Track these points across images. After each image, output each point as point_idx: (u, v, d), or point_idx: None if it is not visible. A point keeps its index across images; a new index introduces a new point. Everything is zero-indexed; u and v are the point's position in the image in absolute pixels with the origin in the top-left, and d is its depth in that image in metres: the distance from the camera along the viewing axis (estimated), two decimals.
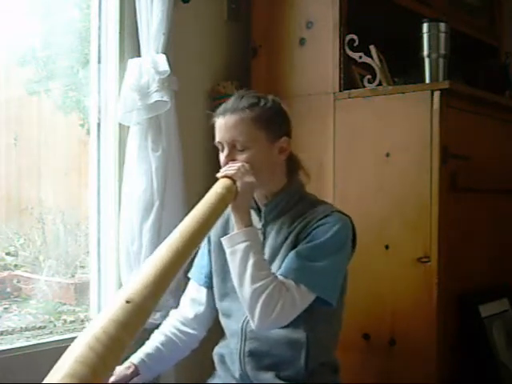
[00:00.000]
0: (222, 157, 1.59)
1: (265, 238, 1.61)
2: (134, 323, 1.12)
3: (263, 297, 1.44)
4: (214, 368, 1.72)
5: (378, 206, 2.03)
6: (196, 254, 1.73)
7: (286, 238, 1.57)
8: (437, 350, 1.92)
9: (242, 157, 1.55)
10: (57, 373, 1.00)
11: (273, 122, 1.58)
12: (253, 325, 1.49)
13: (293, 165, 1.66)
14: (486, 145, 2.20)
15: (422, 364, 1.93)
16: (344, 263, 1.59)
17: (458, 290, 2.04)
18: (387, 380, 1.98)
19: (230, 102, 1.58)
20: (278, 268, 1.54)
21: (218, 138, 1.59)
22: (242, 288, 1.47)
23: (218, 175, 1.54)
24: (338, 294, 1.57)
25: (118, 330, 1.07)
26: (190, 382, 2.14)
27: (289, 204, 1.62)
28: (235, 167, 1.52)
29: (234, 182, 1.50)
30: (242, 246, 1.48)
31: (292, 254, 1.52)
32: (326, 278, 1.52)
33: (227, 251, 1.51)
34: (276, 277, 1.49)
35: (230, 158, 1.56)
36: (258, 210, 1.63)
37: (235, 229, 1.52)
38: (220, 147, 1.60)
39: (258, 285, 1.45)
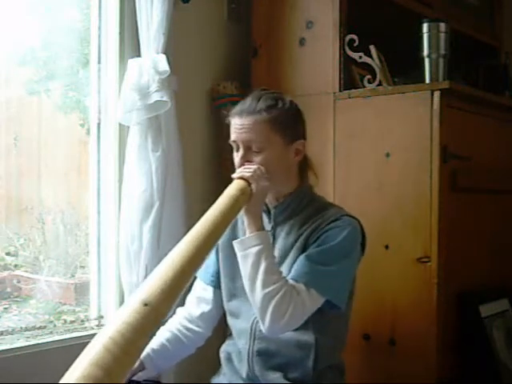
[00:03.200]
0: (237, 157, 1.58)
1: (274, 240, 1.61)
2: (150, 327, 1.12)
3: (274, 301, 1.44)
4: (216, 366, 1.72)
5: (377, 205, 2.03)
6: None
7: (296, 241, 1.57)
8: (437, 350, 1.92)
9: (257, 158, 1.55)
10: (72, 374, 1.00)
11: (289, 125, 1.58)
12: (263, 329, 1.49)
13: (305, 166, 1.67)
14: (486, 145, 2.20)
15: (422, 364, 1.93)
16: (353, 267, 1.60)
17: (458, 289, 2.04)
18: (387, 380, 1.98)
19: (248, 103, 1.57)
20: (287, 270, 1.54)
21: (233, 138, 1.58)
22: (254, 292, 1.47)
23: (234, 176, 1.53)
24: (347, 298, 1.57)
25: (134, 333, 1.08)
26: (191, 381, 2.14)
27: (299, 206, 1.62)
28: (251, 169, 1.51)
29: (249, 184, 1.50)
30: (254, 249, 1.48)
31: (302, 257, 1.52)
32: (336, 282, 1.52)
33: (239, 255, 1.51)
34: (287, 281, 1.49)
35: (246, 160, 1.56)
36: (268, 212, 1.63)
37: (247, 232, 1.51)
38: (235, 146, 1.59)
39: (269, 289, 1.45)
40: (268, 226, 1.62)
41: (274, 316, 1.45)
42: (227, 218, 1.42)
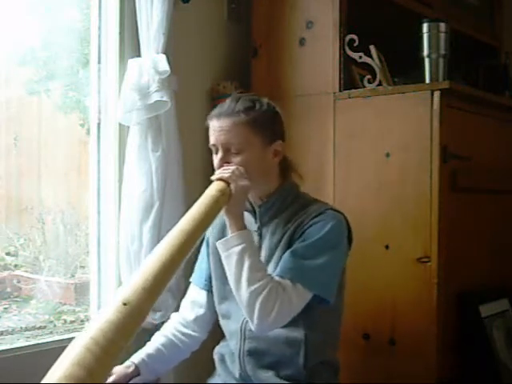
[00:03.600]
0: (216, 159, 1.59)
1: (261, 239, 1.62)
2: (131, 325, 1.13)
3: (260, 299, 1.44)
4: (213, 368, 1.72)
5: (377, 205, 2.03)
6: (196, 257, 1.74)
7: (281, 239, 1.58)
8: (437, 350, 1.92)
9: (236, 160, 1.55)
10: (54, 374, 1.00)
11: (267, 126, 1.58)
12: (252, 327, 1.49)
13: (286, 167, 1.67)
14: (486, 145, 2.20)
15: (422, 364, 1.93)
16: (340, 260, 1.59)
17: (458, 289, 2.04)
18: (387, 380, 1.98)
19: (226, 105, 1.58)
20: (274, 268, 1.54)
21: (212, 141, 1.59)
22: (239, 291, 1.47)
23: (213, 178, 1.54)
24: (335, 292, 1.56)
25: (115, 332, 1.08)
26: (189, 382, 2.15)
27: (283, 204, 1.62)
28: (230, 170, 1.52)
29: (229, 184, 1.50)
30: (237, 248, 1.48)
31: (287, 253, 1.53)
32: (322, 275, 1.52)
33: (222, 255, 1.51)
34: (272, 278, 1.49)
35: (225, 161, 1.57)
36: (254, 212, 1.64)
37: (229, 232, 1.52)
38: (214, 150, 1.60)
39: (255, 287, 1.45)
40: (254, 226, 1.62)
41: (262, 313, 1.45)
42: (207, 219, 1.42)
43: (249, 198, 1.61)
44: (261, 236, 1.62)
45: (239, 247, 1.48)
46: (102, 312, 1.14)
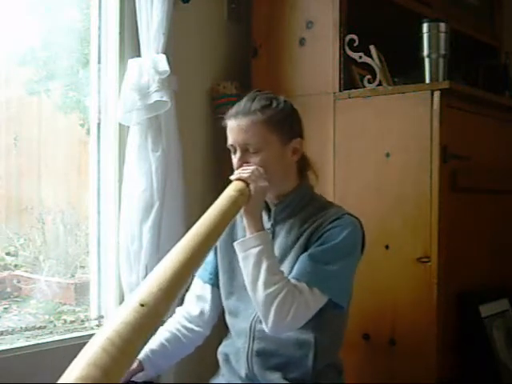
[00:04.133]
0: (235, 159, 1.58)
1: (274, 238, 1.61)
2: (148, 327, 1.12)
3: (277, 301, 1.44)
4: (216, 367, 1.72)
5: (377, 205, 2.03)
6: None
7: (297, 239, 1.57)
8: (437, 350, 1.92)
9: (255, 159, 1.55)
10: (70, 375, 1.00)
11: (285, 124, 1.58)
12: (266, 329, 1.49)
13: (304, 165, 1.67)
14: (486, 145, 2.20)
15: (422, 364, 1.93)
16: (354, 266, 1.60)
17: (458, 289, 2.04)
18: (387, 380, 1.98)
19: (242, 104, 1.58)
20: (288, 269, 1.54)
21: (230, 141, 1.59)
22: (256, 293, 1.47)
23: (232, 177, 1.53)
24: (349, 298, 1.57)
25: (132, 333, 1.07)
26: (190, 382, 2.14)
27: (299, 205, 1.62)
28: (249, 170, 1.52)
29: (248, 185, 1.50)
30: (255, 250, 1.48)
31: (304, 256, 1.52)
32: (338, 281, 1.53)
33: (240, 256, 1.50)
34: (289, 281, 1.49)
35: (244, 161, 1.56)
36: (268, 210, 1.63)
37: (247, 233, 1.51)
38: (232, 150, 1.60)
39: (272, 289, 1.45)
40: (267, 224, 1.62)
41: (278, 316, 1.45)
42: (226, 219, 1.42)
43: None
44: (274, 234, 1.62)
45: (257, 249, 1.48)
46: (119, 312, 1.13)
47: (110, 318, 1.11)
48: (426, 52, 2.11)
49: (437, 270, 1.91)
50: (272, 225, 1.62)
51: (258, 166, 1.53)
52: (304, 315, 1.49)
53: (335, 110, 2.13)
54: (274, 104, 1.58)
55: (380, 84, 2.13)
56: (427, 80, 2.10)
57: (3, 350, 1.84)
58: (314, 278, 1.49)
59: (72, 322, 2.08)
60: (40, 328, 1.98)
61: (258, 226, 1.51)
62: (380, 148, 2.03)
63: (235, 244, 1.52)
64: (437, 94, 1.93)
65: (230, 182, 1.53)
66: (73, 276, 2.21)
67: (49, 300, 2.14)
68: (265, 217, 1.62)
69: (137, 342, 1.09)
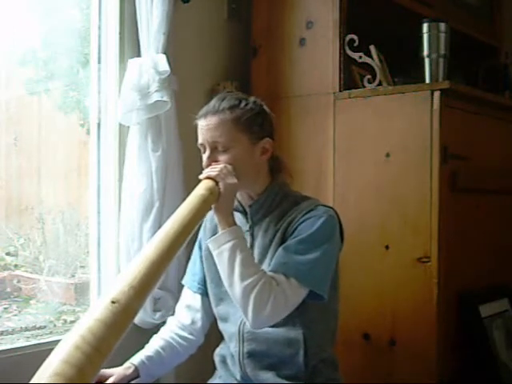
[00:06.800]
0: (204, 158, 1.59)
1: (253, 239, 1.61)
2: (120, 324, 1.13)
3: (254, 293, 1.44)
4: (214, 369, 1.72)
5: (377, 206, 2.03)
6: (188, 260, 1.75)
7: (274, 237, 1.57)
8: (437, 350, 1.92)
9: (223, 158, 1.55)
10: (44, 373, 1.00)
11: (253, 124, 1.58)
12: (248, 323, 1.49)
13: (276, 165, 1.67)
14: (485, 145, 2.20)
15: (422, 364, 1.93)
16: (333, 255, 1.58)
17: (458, 290, 2.04)
18: (387, 380, 1.98)
19: (212, 104, 1.59)
20: (267, 267, 1.54)
21: (200, 140, 1.60)
22: (233, 287, 1.47)
23: (201, 177, 1.54)
24: (328, 287, 1.56)
25: (104, 330, 1.09)
26: (190, 382, 2.14)
27: (274, 203, 1.62)
28: (218, 168, 1.52)
29: (217, 183, 1.50)
30: (228, 245, 1.48)
31: (280, 249, 1.53)
32: (315, 270, 1.51)
33: (214, 253, 1.51)
34: (265, 272, 1.49)
35: (212, 160, 1.57)
36: (244, 212, 1.63)
37: (219, 229, 1.51)
38: (202, 149, 1.60)
39: (248, 281, 1.45)
40: (246, 226, 1.62)
41: (256, 308, 1.44)
42: (196, 218, 1.42)
43: (238, 198, 1.61)
44: (253, 235, 1.62)
45: (230, 243, 1.48)
46: (91, 310, 1.14)
47: (83, 317, 1.13)
48: (426, 52, 2.11)
49: (437, 270, 1.91)
50: (250, 226, 1.62)
51: (227, 164, 1.54)
52: (283, 306, 1.48)
53: (335, 109, 2.13)
54: (243, 104, 1.58)
55: (380, 84, 2.13)
56: (427, 80, 2.10)
57: (3, 350, 1.84)
58: (291, 268, 1.49)
59: (72, 322, 2.08)
60: (40, 328, 1.98)
61: (229, 222, 1.51)
62: (380, 148, 2.03)
63: (208, 242, 1.52)
64: (437, 94, 1.93)
65: (200, 181, 1.53)
66: (73, 276, 2.21)
67: (49, 300, 2.14)
68: (242, 219, 1.62)
69: (110, 340, 1.09)
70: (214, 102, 1.59)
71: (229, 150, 1.55)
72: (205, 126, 1.57)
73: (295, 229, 1.54)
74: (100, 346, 1.06)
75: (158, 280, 1.27)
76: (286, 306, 1.49)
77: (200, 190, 1.49)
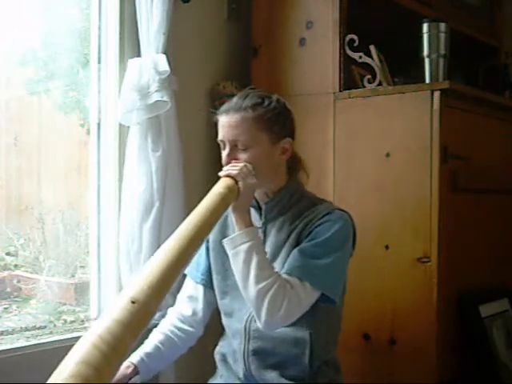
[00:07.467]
0: (224, 155, 1.58)
1: (265, 237, 1.61)
2: (139, 324, 1.12)
3: (268, 296, 1.44)
4: (214, 367, 1.72)
5: (377, 206, 2.03)
6: None
7: (288, 237, 1.57)
8: (437, 350, 1.92)
9: (243, 156, 1.55)
10: (61, 373, 0.99)
11: (275, 123, 1.58)
12: (259, 325, 1.49)
13: (294, 165, 1.67)
14: (485, 145, 2.20)
15: (422, 364, 1.93)
16: (346, 260, 1.59)
17: (458, 290, 2.04)
18: (387, 380, 1.98)
19: (234, 101, 1.58)
20: (280, 266, 1.54)
21: (220, 136, 1.59)
22: (247, 289, 1.47)
23: (221, 174, 1.53)
24: (341, 292, 1.57)
25: (123, 330, 1.07)
26: (190, 382, 2.14)
27: (289, 202, 1.62)
28: (238, 167, 1.52)
29: (236, 182, 1.50)
30: (245, 246, 1.47)
31: (295, 251, 1.52)
32: (329, 275, 1.52)
33: (230, 253, 1.50)
34: (280, 275, 1.49)
35: (232, 157, 1.56)
36: (259, 208, 1.63)
37: (236, 229, 1.51)
38: (222, 145, 1.60)
39: (263, 284, 1.45)
40: (259, 223, 1.61)
41: (270, 311, 1.44)
42: (214, 216, 1.42)
43: (255, 195, 1.60)
44: (265, 233, 1.62)
45: (246, 245, 1.47)
46: (110, 310, 1.13)
47: (102, 317, 1.11)
48: (425, 52, 2.11)
49: (437, 270, 1.91)
50: (263, 223, 1.62)
51: (247, 163, 1.53)
52: (296, 309, 1.48)
53: (335, 109, 2.13)
54: (266, 102, 1.58)
55: (380, 84, 2.13)
56: (427, 80, 2.10)
57: (3, 350, 1.84)
58: (305, 272, 1.49)
59: (72, 322, 2.08)
60: (40, 328, 1.98)
61: (246, 223, 1.51)
62: (380, 148, 2.03)
63: (224, 241, 1.52)
64: (437, 94, 1.93)
65: (219, 178, 1.53)
66: (73, 276, 2.21)
67: (49, 300, 2.14)
68: (256, 215, 1.62)
69: (128, 340, 1.08)
70: (236, 99, 1.58)
71: (249, 149, 1.55)
72: (226, 123, 1.57)
73: (311, 231, 1.54)
74: (117, 345, 1.05)
75: (175, 279, 1.26)
76: (299, 309, 1.49)
77: (219, 188, 1.48)
